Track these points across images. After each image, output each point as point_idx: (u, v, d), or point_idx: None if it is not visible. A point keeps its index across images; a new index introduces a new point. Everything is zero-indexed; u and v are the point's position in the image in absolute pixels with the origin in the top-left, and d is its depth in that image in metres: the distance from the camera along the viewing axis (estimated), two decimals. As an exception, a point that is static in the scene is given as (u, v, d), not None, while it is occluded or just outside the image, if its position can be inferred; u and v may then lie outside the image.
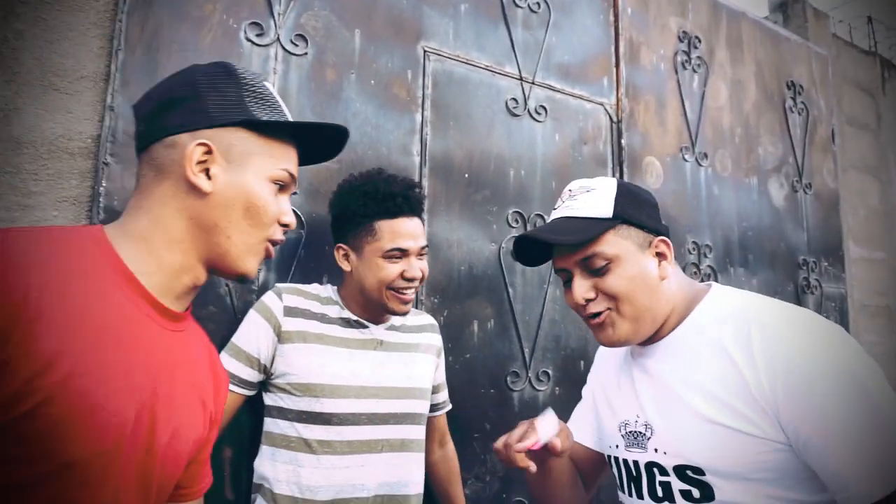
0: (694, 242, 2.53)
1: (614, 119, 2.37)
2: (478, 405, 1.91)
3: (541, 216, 2.12)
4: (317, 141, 0.93)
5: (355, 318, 1.45)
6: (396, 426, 1.43)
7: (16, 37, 1.41)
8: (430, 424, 1.61)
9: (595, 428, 1.21)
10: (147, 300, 0.79)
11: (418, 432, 1.48)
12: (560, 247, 1.05)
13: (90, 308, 0.72)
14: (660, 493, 0.99)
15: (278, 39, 1.69)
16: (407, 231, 1.40)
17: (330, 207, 1.50)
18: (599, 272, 1.01)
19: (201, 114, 0.82)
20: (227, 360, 1.35)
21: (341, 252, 1.46)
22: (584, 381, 1.31)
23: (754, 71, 2.98)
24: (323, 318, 1.43)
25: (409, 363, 1.49)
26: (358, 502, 1.33)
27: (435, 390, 1.61)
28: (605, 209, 1.02)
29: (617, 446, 1.09)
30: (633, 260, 1.01)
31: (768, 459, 0.89)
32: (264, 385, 1.41)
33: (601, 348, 1.27)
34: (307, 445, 1.32)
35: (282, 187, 0.87)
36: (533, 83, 2.17)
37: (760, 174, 2.88)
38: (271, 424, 1.37)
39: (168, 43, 1.54)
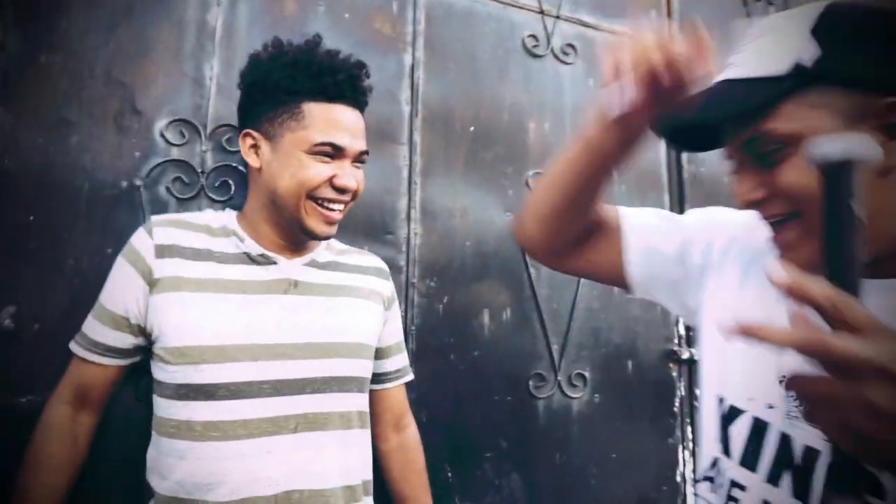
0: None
1: (667, 61, 1.90)
2: (490, 416, 1.50)
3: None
4: None
5: (260, 251, 1.08)
6: (317, 395, 1.04)
7: None
8: (381, 401, 1.24)
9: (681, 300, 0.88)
10: None
11: (354, 404, 1.10)
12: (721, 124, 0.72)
13: None
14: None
15: (222, -36, 1.37)
16: (347, 123, 1.05)
17: (240, 78, 1.12)
18: (769, 160, 0.66)
19: None
20: (91, 325, 1.04)
21: (248, 141, 1.08)
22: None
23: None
24: (209, 256, 1.06)
25: (336, 311, 1.10)
26: (262, 501, 0.96)
27: (384, 353, 1.23)
28: (782, 61, 0.65)
29: (770, 406, 0.70)
30: None
31: None
32: (148, 352, 1.06)
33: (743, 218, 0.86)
34: (190, 429, 0.97)
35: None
36: (558, 17, 1.75)
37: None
38: (154, 405, 1.03)
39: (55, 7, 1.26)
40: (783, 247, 0.69)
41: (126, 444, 1.14)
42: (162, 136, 1.28)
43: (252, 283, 1.06)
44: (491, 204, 1.59)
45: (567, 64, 1.74)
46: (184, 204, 1.27)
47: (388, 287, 1.24)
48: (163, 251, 1.03)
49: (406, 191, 1.50)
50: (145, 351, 1.06)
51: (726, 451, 0.75)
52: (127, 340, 1.04)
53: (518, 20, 1.71)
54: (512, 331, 1.56)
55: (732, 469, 0.74)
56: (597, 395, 1.62)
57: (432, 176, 1.53)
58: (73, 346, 1.05)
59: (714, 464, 0.77)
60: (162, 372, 1.00)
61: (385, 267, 1.27)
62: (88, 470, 1.07)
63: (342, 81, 1.05)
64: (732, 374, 0.77)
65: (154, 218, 1.08)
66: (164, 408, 1.00)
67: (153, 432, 1.03)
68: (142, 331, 1.03)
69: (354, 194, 1.08)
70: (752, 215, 0.75)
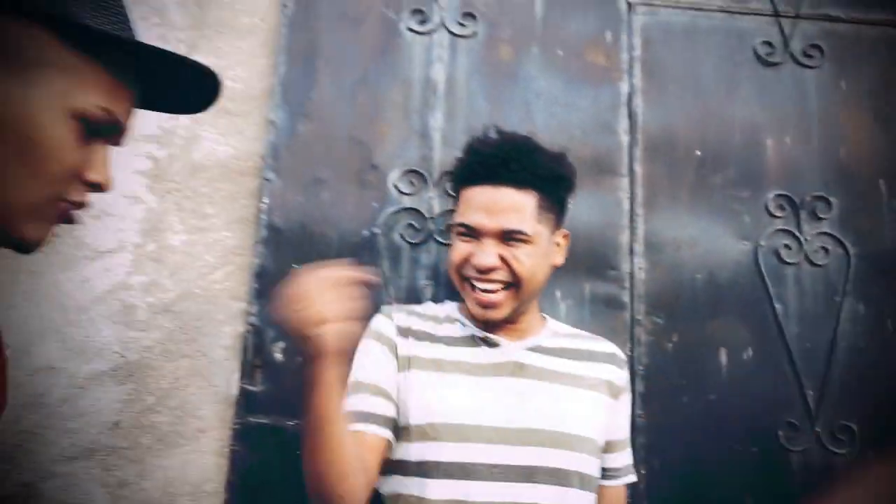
0: None
1: (949, 48, 1.58)
2: (732, 468, 1.35)
3: (822, 198, 1.47)
4: (168, 80, 0.63)
5: (482, 333, 1.08)
6: (545, 487, 0.99)
7: (196, 68, 1.47)
8: (599, 499, 1.10)
9: None
10: None
11: (580, 500, 1.02)
12: None
13: None
14: None
15: (443, 23, 1.48)
16: (483, 202, 1.03)
17: None
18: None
19: None
20: (358, 401, 1.03)
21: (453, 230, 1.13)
22: None
23: None
24: (439, 339, 1.09)
25: (563, 399, 1.05)
26: None
27: (609, 448, 1.12)
28: None
29: None
30: None
31: None
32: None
33: None
34: None
35: (93, 130, 0.58)
36: (797, 16, 1.56)
37: None
38: (383, 483, 1.04)
39: (328, 47, 1.45)
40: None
41: None
42: (395, 186, 1.40)
43: (479, 365, 1.06)
44: (724, 232, 1.45)
45: (811, 68, 1.54)
46: (415, 248, 1.38)
47: (621, 376, 1.14)
48: (404, 332, 1.08)
49: (628, 224, 1.44)
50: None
51: None
52: (389, 408, 1.03)
53: (747, 28, 1.55)
54: (755, 373, 1.40)
55: None
56: (869, 452, 1.37)
57: (656, 207, 1.45)
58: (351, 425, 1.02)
59: None
60: (399, 449, 1.02)
61: (620, 354, 1.16)
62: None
63: (488, 163, 1.04)
64: None
65: (385, 307, 1.15)
66: (395, 485, 1.01)
67: None
68: (394, 403, 1.04)
69: (516, 277, 1.03)
70: None
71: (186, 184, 1.43)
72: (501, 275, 1.03)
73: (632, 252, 1.43)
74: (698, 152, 1.49)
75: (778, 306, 1.42)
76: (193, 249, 1.41)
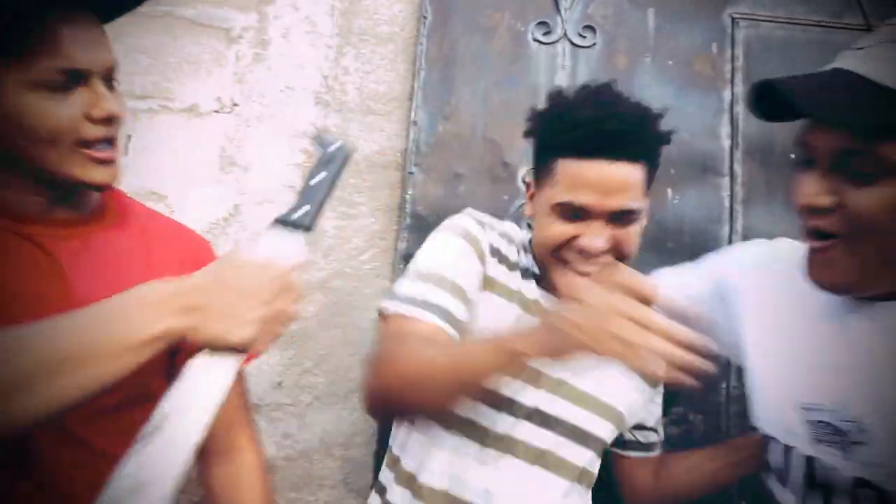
0: None
1: None
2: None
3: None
4: None
5: (538, 272, 1.03)
6: (541, 430, 0.98)
7: (343, 72, 1.65)
8: (629, 470, 1.18)
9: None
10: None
11: (575, 455, 1.00)
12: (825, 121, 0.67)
13: None
14: None
15: (565, 34, 1.64)
16: (593, 179, 0.90)
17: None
18: (859, 177, 0.63)
19: None
20: (424, 289, 0.93)
21: (529, 190, 1.05)
22: None
23: None
24: (521, 273, 1.03)
25: (599, 367, 1.03)
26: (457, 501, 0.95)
27: (637, 424, 1.14)
28: None
29: (794, 432, 0.76)
30: None
31: None
32: None
33: (752, 262, 0.93)
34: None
35: (63, 86, 0.71)
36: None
37: None
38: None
39: (463, 56, 1.62)
40: (824, 262, 0.67)
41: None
42: (523, 181, 1.58)
43: (536, 304, 1.02)
44: (815, 228, 1.61)
45: (899, 80, 1.68)
46: (542, 237, 1.56)
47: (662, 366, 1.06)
48: (495, 252, 1.02)
49: (728, 219, 1.61)
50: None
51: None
52: (462, 313, 0.93)
53: (841, 41, 1.69)
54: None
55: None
56: None
57: (753, 204, 1.62)
58: (397, 306, 0.93)
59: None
60: None
61: None
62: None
63: (600, 134, 0.89)
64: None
65: (476, 214, 1.06)
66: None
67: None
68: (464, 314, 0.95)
69: (622, 256, 0.95)
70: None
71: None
72: (607, 256, 0.94)
73: (730, 243, 1.59)
74: (792, 155, 1.64)
75: (863, 296, 1.58)
76: (343, 233, 1.60)
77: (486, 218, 1.06)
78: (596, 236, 0.92)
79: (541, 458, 0.98)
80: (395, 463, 1.03)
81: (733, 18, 1.68)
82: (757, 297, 0.87)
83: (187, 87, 1.62)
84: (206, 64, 1.63)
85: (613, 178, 0.90)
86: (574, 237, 0.93)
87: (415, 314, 0.90)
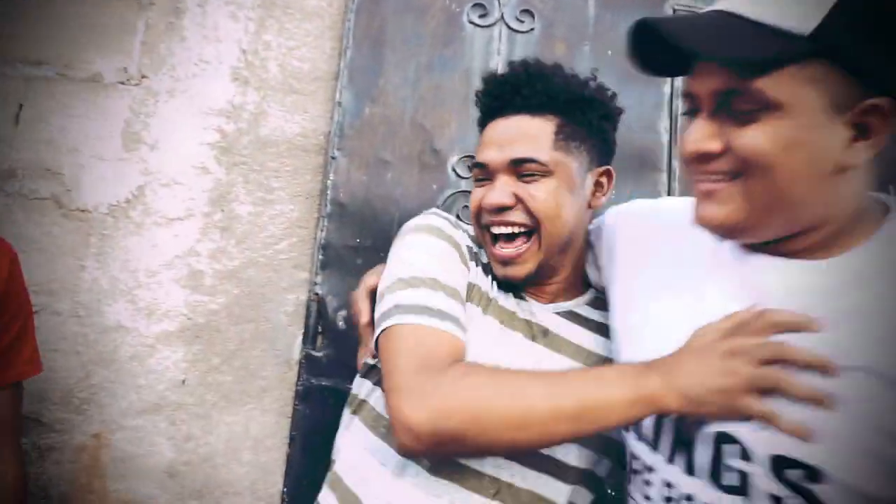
0: None
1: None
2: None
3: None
4: None
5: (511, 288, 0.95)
6: (529, 472, 0.85)
7: (264, 47, 1.53)
8: None
9: None
10: None
11: (566, 495, 0.87)
12: (701, 58, 0.65)
13: None
14: (731, 481, 0.65)
15: (502, 18, 1.56)
16: (492, 135, 0.90)
17: None
18: (741, 116, 0.63)
19: None
20: (426, 296, 0.83)
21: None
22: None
23: None
24: (491, 273, 0.94)
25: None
26: None
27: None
28: (804, 20, 0.59)
29: None
30: (808, 120, 0.61)
31: None
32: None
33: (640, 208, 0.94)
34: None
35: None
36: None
37: None
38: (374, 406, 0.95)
39: (393, 35, 1.53)
40: (713, 204, 0.67)
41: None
42: (453, 170, 1.49)
43: (513, 315, 0.92)
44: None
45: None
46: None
47: None
48: (473, 256, 0.93)
49: (664, 216, 1.56)
50: None
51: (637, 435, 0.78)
52: (465, 320, 0.85)
53: (781, 40, 1.67)
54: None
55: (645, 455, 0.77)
56: None
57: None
58: (401, 319, 0.82)
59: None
60: None
61: None
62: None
63: (503, 92, 0.91)
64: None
65: (443, 214, 0.96)
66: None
67: (360, 423, 0.94)
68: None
69: (533, 217, 0.87)
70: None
71: (253, 157, 1.50)
72: (518, 216, 0.88)
73: (666, 242, 1.54)
74: (731, 153, 1.61)
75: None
76: (259, 220, 1.49)
77: (452, 217, 0.96)
78: (495, 190, 0.89)
79: (515, 499, 0.85)
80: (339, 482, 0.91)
81: (675, 9, 1.63)
82: (631, 243, 0.90)
83: (90, 54, 1.48)
84: (111, 31, 1.49)
85: (507, 131, 0.90)
86: (482, 197, 0.91)
87: (431, 324, 0.81)
